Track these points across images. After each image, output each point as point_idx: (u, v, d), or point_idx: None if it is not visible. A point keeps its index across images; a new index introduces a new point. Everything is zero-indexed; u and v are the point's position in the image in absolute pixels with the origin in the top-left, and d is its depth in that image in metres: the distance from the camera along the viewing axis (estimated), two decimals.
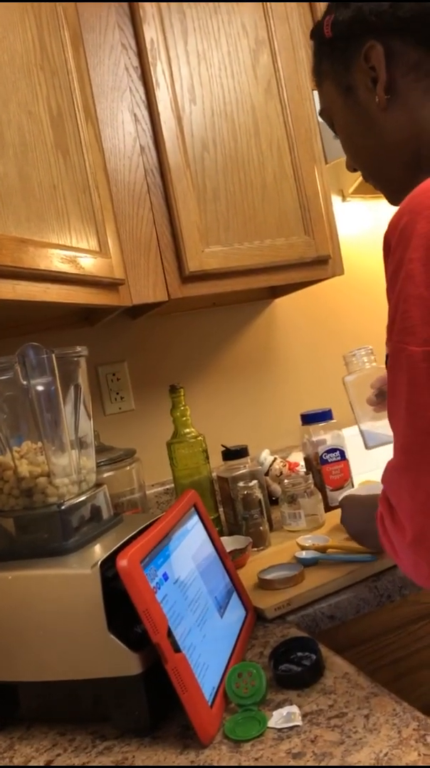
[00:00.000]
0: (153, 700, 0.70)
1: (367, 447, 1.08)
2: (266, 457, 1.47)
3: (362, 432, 1.08)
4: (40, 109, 0.95)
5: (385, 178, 0.75)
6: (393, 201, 0.76)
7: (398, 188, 0.73)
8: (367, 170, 0.76)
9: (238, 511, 1.26)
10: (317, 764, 0.60)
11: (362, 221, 1.78)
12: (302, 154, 1.30)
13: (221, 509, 1.34)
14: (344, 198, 1.73)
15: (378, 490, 1.22)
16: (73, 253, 0.97)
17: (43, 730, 0.76)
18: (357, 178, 1.62)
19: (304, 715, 0.68)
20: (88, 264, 1.00)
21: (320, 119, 1.33)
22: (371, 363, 1.06)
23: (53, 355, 0.75)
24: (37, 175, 0.91)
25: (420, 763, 0.57)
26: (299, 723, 0.67)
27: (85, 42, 1.14)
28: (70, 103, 1.04)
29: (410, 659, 1.00)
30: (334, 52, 0.70)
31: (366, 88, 0.68)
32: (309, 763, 0.60)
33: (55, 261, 0.91)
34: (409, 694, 0.70)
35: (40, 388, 0.75)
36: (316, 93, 1.33)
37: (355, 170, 0.79)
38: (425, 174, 0.71)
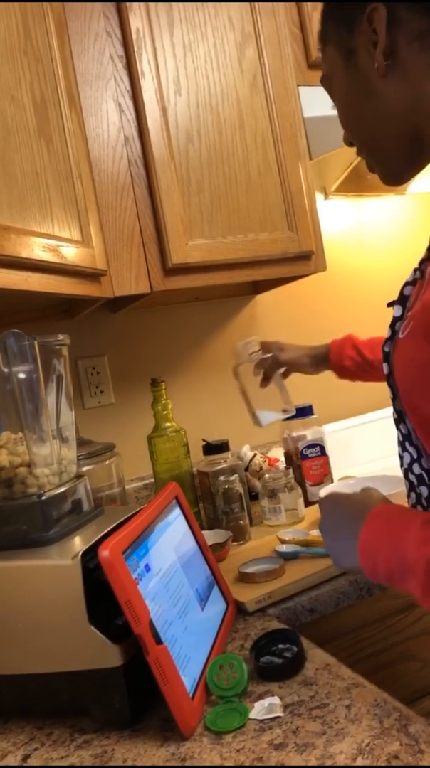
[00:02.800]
0: (133, 693, 0.70)
1: (261, 425, 1.22)
2: (247, 452, 1.47)
3: (256, 414, 1.21)
4: (23, 95, 0.93)
5: (380, 153, 0.70)
6: (388, 180, 0.73)
7: (393, 166, 0.71)
8: (362, 143, 0.72)
9: (217, 505, 1.26)
10: (299, 755, 0.60)
11: (344, 219, 1.79)
12: (286, 150, 1.30)
13: (200, 504, 1.33)
14: (326, 195, 1.74)
15: (358, 485, 1.23)
16: (55, 242, 0.95)
17: (20, 724, 0.74)
18: (340, 175, 1.63)
19: (285, 707, 0.68)
20: (70, 254, 0.99)
21: (304, 116, 1.34)
22: (257, 353, 1.21)
23: (35, 343, 0.74)
24: (20, 161, 0.90)
25: (402, 753, 0.57)
26: (281, 714, 0.66)
27: (69, 29, 1.13)
28: (54, 90, 1.03)
29: (389, 652, 1.01)
30: (338, 13, 0.67)
31: (367, 52, 0.65)
32: (291, 754, 0.60)
33: (37, 249, 0.90)
34: (388, 686, 0.70)
35: (21, 376, 0.74)
36: (301, 89, 1.34)
37: (351, 144, 0.75)
38: (425, 157, 0.69)
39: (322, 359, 1.19)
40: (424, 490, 0.69)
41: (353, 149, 0.75)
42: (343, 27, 0.67)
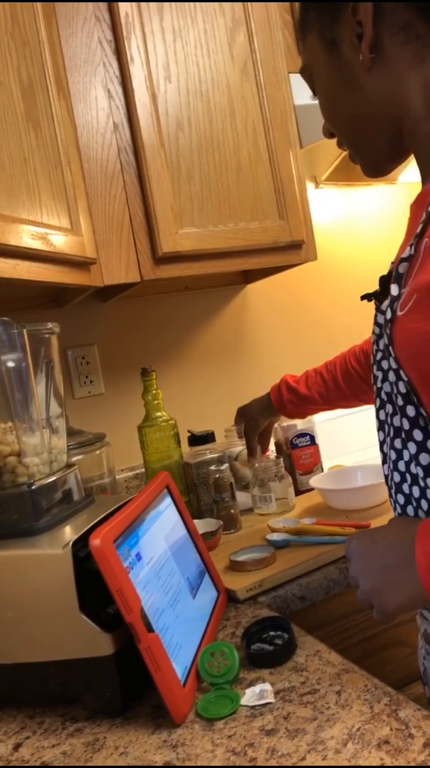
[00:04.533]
0: (125, 681, 0.70)
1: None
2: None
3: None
4: (10, 79, 0.92)
5: (362, 144, 0.70)
6: (369, 171, 0.72)
7: (375, 157, 0.70)
8: (344, 135, 0.72)
9: (201, 496, 1.27)
10: (290, 740, 0.60)
11: (334, 208, 1.79)
12: (277, 137, 1.29)
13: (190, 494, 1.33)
14: (317, 185, 1.73)
15: (346, 482, 1.23)
16: (44, 230, 0.94)
17: (11, 713, 0.74)
18: (331, 164, 1.62)
19: (276, 693, 0.68)
20: (59, 241, 0.98)
21: (295, 103, 1.33)
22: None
23: (24, 331, 0.73)
24: (8, 147, 0.88)
25: (392, 737, 0.58)
26: (272, 700, 0.67)
27: (57, 13, 1.11)
28: (42, 75, 1.01)
29: (379, 638, 1.02)
30: (322, 3, 0.66)
31: (351, 44, 0.64)
32: (282, 740, 0.61)
33: (26, 237, 0.89)
34: (378, 672, 0.70)
35: (10, 364, 0.73)
36: (292, 76, 1.32)
37: (331, 135, 0.74)
38: (406, 145, 0.68)
39: (267, 406, 1.24)
40: (416, 490, 0.65)
41: None
42: (326, 17, 0.66)
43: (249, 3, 1.27)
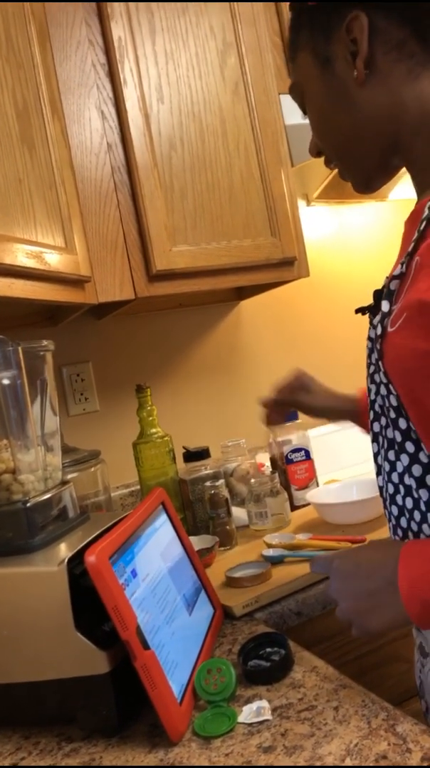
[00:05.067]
0: (121, 700, 0.69)
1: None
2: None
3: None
4: (5, 101, 0.93)
5: (355, 161, 0.71)
6: (359, 187, 0.73)
7: (367, 173, 0.71)
8: (336, 151, 0.72)
9: (197, 512, 1.26)
10: (288, 757, 0.60)
11: (326, 226, 1.81)
12: (268, 157, 1.31)
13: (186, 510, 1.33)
14: (308, 202, 1.75)
15: (342, 497, 1.19)
16: (39, 249, 0.95)
17: (6, 733, 0.73)
18: (322, 182, 1.65)
19: (274, 710, 0.68)
20: (54, 260, 0.99)
21: (286, 123, 1.35)
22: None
23: (19, 348, 0.73)
24: (2, 167, 0.90)
25: (390, 752, 0.58)
26: (269, 717, 0.66)
27: (51, 37, 1.13)
28: (36, 97, 1.03)
29: (376, 654, 1.01)
30: (315, 21, 0.67)
31: (345, 61, 0.65)
32: (280, 757, 0.60)
33: (20, 256, 0.89)
34: (375, 688, 0.70)
35: (5, 381, 0.73)
36: (283, 97, 1.35)
37: (319, 154, 0.75)
38: (397, 161, 0.69)
39: (345, 415, 1.03)
40: (409, 501, 0.66)
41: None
42: (319, 35, 0.67)
43: (240, 26, 1.30)
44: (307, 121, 0.74)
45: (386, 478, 0.69)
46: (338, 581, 0.66)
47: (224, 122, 1.28)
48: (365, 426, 1.00)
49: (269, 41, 1.34)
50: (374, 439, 0.72)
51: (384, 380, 0.65)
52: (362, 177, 0.72)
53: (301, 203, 1.74)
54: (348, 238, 1.84)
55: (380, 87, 0.64)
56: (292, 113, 1.36)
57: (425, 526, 0.65)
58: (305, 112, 0.74)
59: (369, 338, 0.71)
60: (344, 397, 1.04)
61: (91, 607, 0.67)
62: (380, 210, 1.87)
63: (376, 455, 0.73)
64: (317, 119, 0.72)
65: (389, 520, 0.71)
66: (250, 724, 0.66)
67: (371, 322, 0.71)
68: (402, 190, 1.67)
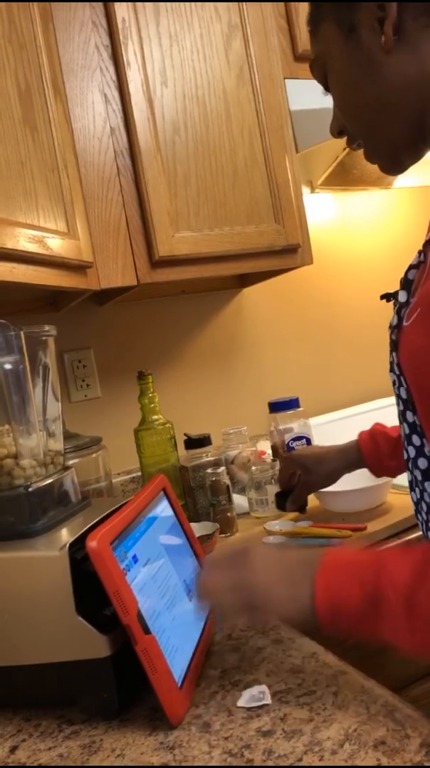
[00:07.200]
0: (121, 683, 0.70)
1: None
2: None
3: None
4: (7, 83, 0.92)
5: (382, 137, 0.66)
6: (388, 168, 0.69)
7: (395, 150, 0.67)
8: (360, 128, 0.67)
9: (198, 499, 1.26)
10: (287, 741, 0.60)
11: (329, 213, 1.80)
12: (273, 142, 1.30)
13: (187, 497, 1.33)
14: (312, 189, 1.74)
15: (342, 485, 1.20)
16: (41, 233, 0.94)
17: (7, 715, 0.74)
18: (326, 169, 1.63)
19: (273, 694, 0.68)
20: (56, 245, 0.98)
21: (291, 108, 1.33)
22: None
23: (21, 333, 0.73)
24: (4, 150, 0.89)
25: (388, 738, 0.58)
26: (269, 702, 0.67)
27: (54, 18, 1.12)
28: (39, 79, 1.02)
29: (375, 642, 1.02)
30: None
31: (371, 28, 0.61)
32: (279, 741, 0.61)
33: (22, 240, 0.89)
34: (374, 676, 0.70)
35: (7, 366, 0.73)
36: (288, 81, 1.33)
37: (340, 134, 0.71)
38: (427, 142, 0.64)
39: (355, 462, 1.05)
40: (429, 485, 0.67)
41: (340, 142, 0.72)
42: (343, 2, 0.63)
43: (245, 9, 1.28)
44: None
45: (410, 466, 0.70)
46: (255, 556, 0.66)
47: (228, 107, 1.26)
48: (375, 467, 1.02)
49: (274, 24, 1.32)
50: (406, 438, 0.71)
51: (397, 371, 0.64)
52: (390, 154, 0.68)
53: (305, 190, 1.73)
54: (352, 226, 1.83)
55: (408, 55, 0.60)
56: (296, 99, 1.34)
57: None
58: (326, 88, 0.70)
59: (390, 326, 0.69)
60: (345, 449, 1.05)
61: (92, 591, 0.68)
62: (385, 198, 1.86)
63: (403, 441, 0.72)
64: (341, 93, 0.68)
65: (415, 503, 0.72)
66: (249, 709, 0.67)
67: (394, 310, 0.70)
68: (407, 178, 1.66)
